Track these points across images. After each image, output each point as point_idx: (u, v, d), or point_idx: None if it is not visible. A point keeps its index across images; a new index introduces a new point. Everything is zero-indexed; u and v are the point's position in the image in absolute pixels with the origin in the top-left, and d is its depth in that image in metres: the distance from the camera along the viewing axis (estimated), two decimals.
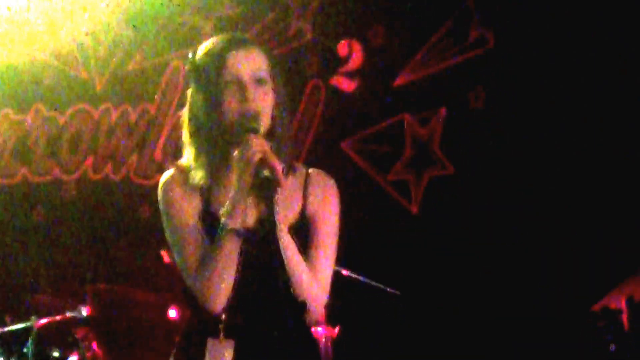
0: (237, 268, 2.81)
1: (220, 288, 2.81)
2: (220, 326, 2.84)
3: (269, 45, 6.65)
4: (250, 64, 2.90)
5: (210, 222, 2.88)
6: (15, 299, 7.02)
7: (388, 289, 5.29)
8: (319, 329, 5.20)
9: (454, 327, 5.72)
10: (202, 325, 2.87)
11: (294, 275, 2.79)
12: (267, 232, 2.70)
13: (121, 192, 7.22)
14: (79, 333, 6.01)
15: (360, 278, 5.29)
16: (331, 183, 3.04)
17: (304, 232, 2.94)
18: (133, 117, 7.30)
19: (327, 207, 3.00)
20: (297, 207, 2.96)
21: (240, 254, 2.81)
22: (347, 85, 6.54)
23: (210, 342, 2.84)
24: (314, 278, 2.91)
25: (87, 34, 7.39)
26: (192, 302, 2.88)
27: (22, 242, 7.36)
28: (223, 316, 2.84)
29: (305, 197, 2.98)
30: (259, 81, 2.88)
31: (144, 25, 7.27)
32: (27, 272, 7.26)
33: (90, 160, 7.39)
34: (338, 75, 6.57)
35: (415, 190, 6.20)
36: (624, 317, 4.82)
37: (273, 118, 2.90)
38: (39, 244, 7.32)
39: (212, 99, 2.88)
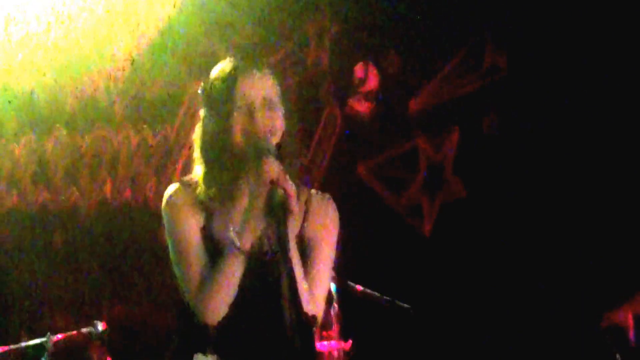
0: (238, 284, 2.89)
1: (221, 305, 2.88)
2: (209, 341, 2.91)
3: (287, 73, 6.74)
4: (261, 87, 3.00)
5: (211, 239, 2.97)
6: (33, 321, 7.10)
7: (400, 304, 5.33)
8: (332, 343, 5.25)
9: (465, 344, 5.74)
10: (191, 339, 2.95)
11: (301, 292, 2.85)
12: (276, 252, 2.80)
13: (140, 216, 7.28)
14: (94, 351, 6.04)
15: (374, 293, 5.34)
16: (331, 204, 3.16)
17: (301, 250, 3.02)
18: (152, 142, 7.37)
19: (326, 228, 3.10)
20: (298, 227, 3.04)
21: (244, 271, 2.88)
22: (363, 106, 6.60)
23: (196, 357, 2.92)
24: (313, 293, 2.98)
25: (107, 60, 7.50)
26: (184, 316, 2.96)
27: (41, 265, 7.43)
28: (211, 331, 2.91)
29: (305, 217, 3.07)
30: (269, 105, 2.99)
31: (164, 53, 7.36)
32: (45, 295, 7.32)
33: (109, 184, 7.47)
34: (354, 97, 6.63)
35: (429, 213, 6.23)
36: (631, 333, 4.83)
37: (282, 141, 3.00)
38: (57, 266, 7.39)
39: (223, 122, 2.97)
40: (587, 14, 5.78)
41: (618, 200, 5.54)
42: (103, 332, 5.76)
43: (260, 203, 2.83)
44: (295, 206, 2.82)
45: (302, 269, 2.96)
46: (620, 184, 5.56)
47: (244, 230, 2.86)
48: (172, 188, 3.07)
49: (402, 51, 6.45)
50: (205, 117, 3.07)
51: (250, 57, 3.18)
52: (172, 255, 3.02)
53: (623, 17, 5.65)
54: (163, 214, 3.06)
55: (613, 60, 5.69)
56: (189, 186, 3.04)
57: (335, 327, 5.21)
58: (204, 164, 3.03)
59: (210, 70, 3.12)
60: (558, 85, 5.81)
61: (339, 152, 6.68)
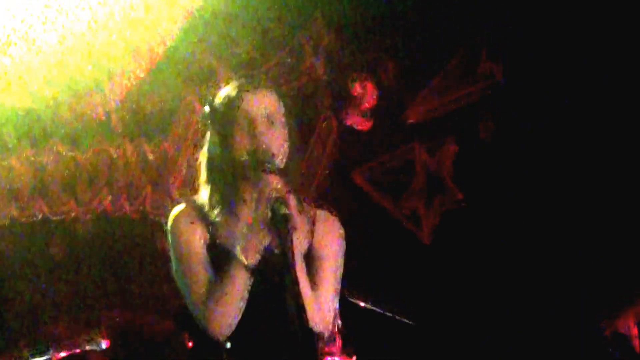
0: (245, 299, 2.90)
1: (227, 319, 2.91)
2: (225, 354, 2.93)
3: (283, 82, 6.78)
4: (262, 104, 3.03)
5: (216, 255, 2.99)
6: (33, 331, 7.09)
7: (402, 320, 5.37)
8: (335, 358, 5.27)
9: (466, 354, 5.77)
10: (206, 352, 2.97)
11: (307, 307, 2.83)
12: (280, 266, 2.79)
13: (137, 226, 7.30)
14: None
15: (376, 309, 5.37)
16: (337, 224, 3.19)
17: (307, 268, 3.04)
18: (149, 153, 7.39)
19: (332, 245, 3.13)
20: (304, 245, 3.06)
21: (250, 286, 2.91)
22: (362, 124, 6.63)
23: None
24: (319, 311, 3.01)
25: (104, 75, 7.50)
26: (196, 330, 2.97)
27: (41, 276, 7.42)
28: (228, 344, 2.93)
29: (312, 235, 3.10)
30: (271, 121, 3.01)
31: (159, 65, 7.38)
32: (45, 305, 7.31)
33: (107, 197, 7.48)
34: (353, 115, 6.67)
35: (426, 219, 6.27)
36: (635, 341, 4.85)
37: (284, 157, 3.03)
38: (56, 277, 7.38)
39: (226, 139, 3.01)
40: (582, 22, 5.83)
41: (616, 205, 5.59)
42: (106, 349, 5.77)
43: (262, 218, 2.85)
44: (298, 221, 2.85)
45: (309, 285, 2.98)
46: (619, 188, 5.60)
47: (248, 246, 2.88)
48: (177, 208, 3.10)
49: (398, 60, 6.50)
50: (209, 139, 3.11)
51: (253, 73, 3.22)
52: (177, 273, 3.04)
53: (619, 25, 5.70)
54: (169, 233, 3.07)
55: (608, 67, 5.75)
56: (194, 206, 3.08)
57: (338, 343, 5.24)
58: (209, 185, 3.07)
59: (207, 82, 3.18)
60: (553, 91, 5.86)
61: (335, 160, 6.71)
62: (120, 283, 7.20)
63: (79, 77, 7.59)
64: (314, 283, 3.03)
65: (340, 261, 3.14)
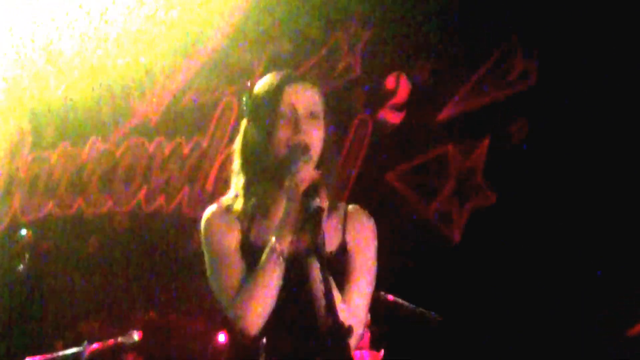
0: (277, 291, 2.89)
1: (259, 311, 2.88)
2: (261, 351, 2.91)
3: (320, 81, 6.77)
4: (305, 98, 3.02)
5: (249, 251, 2.98)
6: (68, 326, 7.17)
7: (431, 314, 5.35)
8: (364, 352, 5.27)
9: (495, 353, 5.75)
10: (243, 351, 2.95)
11: (336, 301, 2.81)
12: (310, 260, 2.82)
13: (172, 223, 7.34)
14: (129, 359, 6.09)
15: (405, 303, 5.36)
16: (369, 220, 3.17)
17: (340, 265, 3.03)
18: (186, 150, 7.44)
19: (365, 243, 3.11)
20: (336, 242, 3.06)
21: (282, 280, 2.89)
22: (393, 117, 6.64)
23: None
24: (348, 308, 2.97)
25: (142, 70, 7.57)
26: (232, 329, 2.97)
27: (76, 271, 7.50)
28: (264, 340, 2.91)
29: (344, 233, 3.09)
30: (312, 115, 3.01)
31: (198, 61, 7.43)
32: (80, 300, 7.39)
33: (143, 192, 7.53)
34: (385, 108, 6.67)
35: (458, 219, 6.25)
36: None
37: (322, 153, 3.02)
38: (92, 272, 7.45)
39: (266, 130, 2.99)
40: (619, 23, 5.78)
41: None
42: (139, 341, 5.78)
43: (295, 207, 2.85)
44: (326, 214, 2.85)
45: (332, 279, 2.90)
46: None
47: (281, 231, 2.88)
48: (210, 209, 3.07)
49: (433, 59, 6.49)
50: (247, 127, 3.09)
51: (292, 70, 3.21)
52: (211, 273, 3.03)
53: None
54: (201, 233, 3.07)
55: None
56: (226, 205, 3.05)
57: (367, 337, 5.24)
58: (244, 174, 3.04)
59: (244, 79, 3.17)
60: (588, 92, 5.82)
61: (369, 159, 6.72)
62: (154, 279, 7.25)
63: (118, 75, 7.67)
64: (347, 277, 3.02)
65: (374, 255, 3.12)
